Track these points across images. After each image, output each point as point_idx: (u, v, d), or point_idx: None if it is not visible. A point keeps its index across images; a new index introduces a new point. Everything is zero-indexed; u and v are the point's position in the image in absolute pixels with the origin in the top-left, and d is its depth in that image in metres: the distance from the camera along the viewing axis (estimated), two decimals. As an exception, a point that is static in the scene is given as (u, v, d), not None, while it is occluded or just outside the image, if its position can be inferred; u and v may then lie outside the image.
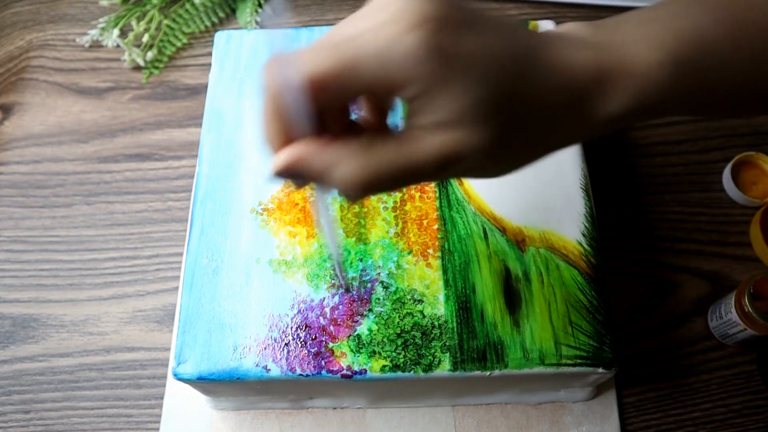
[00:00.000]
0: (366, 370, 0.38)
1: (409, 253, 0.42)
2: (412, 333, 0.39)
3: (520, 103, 0.23)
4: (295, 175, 0.24)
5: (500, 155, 0.24)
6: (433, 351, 0.39)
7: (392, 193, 0.44)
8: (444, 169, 0.24)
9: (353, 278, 0.41)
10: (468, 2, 0.23)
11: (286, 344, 0.39)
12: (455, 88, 0.22)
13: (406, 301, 0.40)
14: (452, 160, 0.23)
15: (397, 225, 0.43)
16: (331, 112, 0.24)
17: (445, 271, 0.41)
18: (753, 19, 0.27)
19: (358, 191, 0.24)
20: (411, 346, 0.39)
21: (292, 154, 0.24)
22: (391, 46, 0.21)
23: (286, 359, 0.39)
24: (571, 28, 0.26)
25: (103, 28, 0.63)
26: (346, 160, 0.23)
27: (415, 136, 0.23)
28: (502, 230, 0.43)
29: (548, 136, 0.25)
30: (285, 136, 0.24)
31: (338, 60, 0.21)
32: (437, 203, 0.44)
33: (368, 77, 0.22)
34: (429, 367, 0.38)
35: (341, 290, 0.41)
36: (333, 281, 0.41)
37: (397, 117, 0.42)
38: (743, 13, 0.27)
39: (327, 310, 0.40)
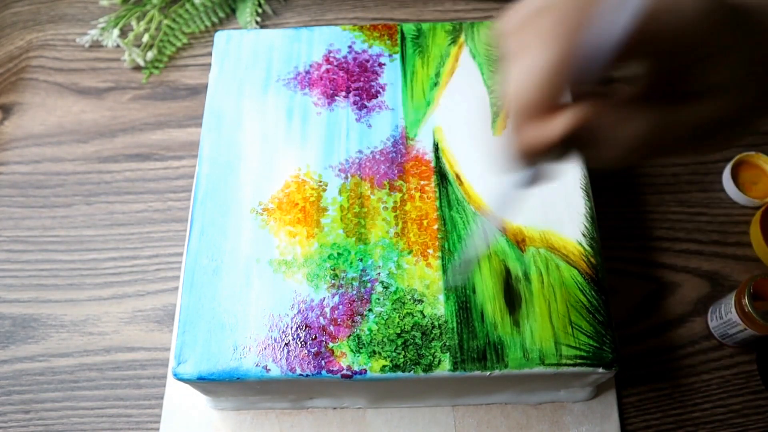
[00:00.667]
0: (366, 370, 0.38)
1: (409, 253, 0.42)
2: (412, 333, 0.39)
3: (764, 68, 0.24)
4: (576, 139, 0.22)
5: (754, 112, 0.25)
6: (433, 351, 0.39)
7: (392, 192, 0.44)
8: (720, 129, 0.24)
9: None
10: None
11: (286, 344, 0.39)
12: (733, 54, 0.22)
13: (406, 301, 0.40)
14: (727, 121, 0.23)
15: (397, 225, 0.43)
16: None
17: (445, 271, 0.41)
18: None
19: (644, 151, 0.23)
20: (411, 346, 0.39)
21: (581, 114, 0.21)
22: (691, 7, 0.21)
23: (286, 359, 0.39)
24: None
25: (103, 28, 0.63)
26: (638, 118, 0.22)
27: (694, 98, 0.23)
28: (502, 230, 0.43)
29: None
30: (557, 102, 0.21)
31: (651, 18, 0.20)
32: (437, 203, 0.44)
33: (674, 38, 0.21)
34: (429, 367, 0.38)
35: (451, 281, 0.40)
36: (333, 282, 0.41)
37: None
38: None
39: (327, 310, 0.40)
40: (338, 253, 0.42)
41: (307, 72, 0.49)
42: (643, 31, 0.20)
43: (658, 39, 0.21)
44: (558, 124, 0.21)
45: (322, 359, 0.39)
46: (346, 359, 0.39)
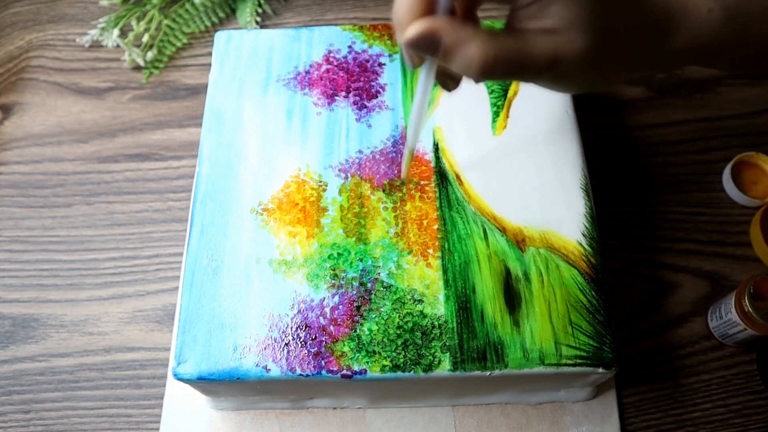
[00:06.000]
0: (366, 370, 0.38)
1: (409, 253, 0.42)
2: (413, 333, 0.39)
3: (614, 22, 0.27)
4: (426, 45, 0.26)
5: (591, 66, 0.27)
6: (433, 351, 0.39)
7: (392, 192, 0.44)
8: (548, 69, 0.27)
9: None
10: None
11: (286, 344, 0.39)
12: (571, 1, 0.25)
13: (406, 301, 0.40)
14: (556, 62, 0.26)
15: (397, 225, 0.43)
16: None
17: (445, 271, 0.41)
18: None
19: (479, 71, 0.26)
20: (411, 346, 0.39)
21: (431, 24, 0.25)
22: None
23: (286, 359, 0.39)
24: None
25: (103, 28, 0.64)
26: (476, 41, 0.25)
27: (530, 35, 0.26)
28: (502, 230, 0.43)
29: (627, 59, 0.29)
30: (421, 13, 0.26)
31: None
32: (437, 203, 0.44)
33: None
34: (429, 367, 0.38)
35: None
36: (333, 282, 0.41)
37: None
38: None
39: (327, 310, 0.40)
40: (338, 253, 0.42)
41: (307, 72, 0.49)
42: None
43: None
44: (409, 30, 0.26)
45: (322, 359, 0.39)
46: (346, 359, 0.39)
